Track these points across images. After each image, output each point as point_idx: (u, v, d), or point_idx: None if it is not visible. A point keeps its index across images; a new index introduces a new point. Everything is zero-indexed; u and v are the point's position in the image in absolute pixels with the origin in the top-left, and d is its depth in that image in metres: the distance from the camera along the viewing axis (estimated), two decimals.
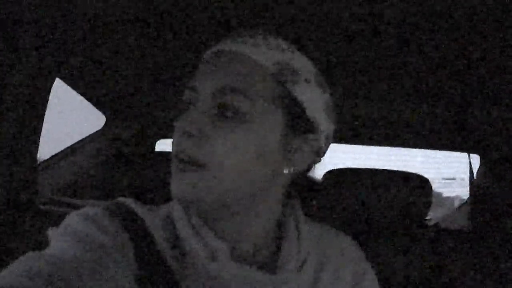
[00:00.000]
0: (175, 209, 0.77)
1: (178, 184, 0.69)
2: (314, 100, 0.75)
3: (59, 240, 0.63)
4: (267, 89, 0.71)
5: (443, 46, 1.29)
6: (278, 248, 0.77)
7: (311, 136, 0.76)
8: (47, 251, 0.61)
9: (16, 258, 0.58)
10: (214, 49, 0.76)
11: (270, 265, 0.75)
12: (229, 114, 0.68)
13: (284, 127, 0.72)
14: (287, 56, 0.73)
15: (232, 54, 0.72)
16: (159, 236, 0.72)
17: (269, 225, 0.77)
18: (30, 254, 0.59)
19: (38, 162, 1.83)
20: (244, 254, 0.74)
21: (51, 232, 0.66)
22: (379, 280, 0.86)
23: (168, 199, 0.79)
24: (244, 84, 0.69)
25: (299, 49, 0.77)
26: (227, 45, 0.74)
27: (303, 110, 0.74)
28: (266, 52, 0.72)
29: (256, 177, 0.71)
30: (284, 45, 0.75)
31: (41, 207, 1.63)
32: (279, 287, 0.72)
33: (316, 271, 0.79)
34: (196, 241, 0.71)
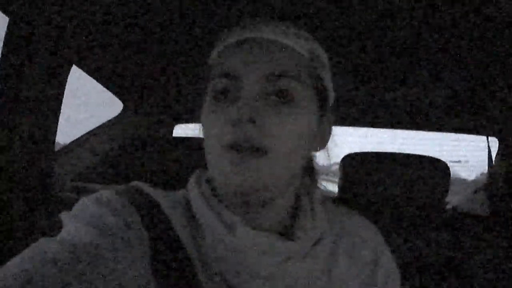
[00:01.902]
0: (192, 190, 0.77)
1: (239, 175, 0.65)
2: (331, 85, 0.80)
3: (72, 224, 0.63)
4: (307, 75, 0.73)
5: (461, 28, 1.27)
6: (292, 225, 0.76)
7: (330, 118, 0.80)
8: (60, 236, 0.61)
9: None
10: (241, 36, 0.74)
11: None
12: (286, 99, 0.69)
13: (318, 111, 0.75)
14: (313, 44, 0.76)
15: (271, 42, 0.72)
16: (174, 217, 0.72)
17: (289, 203, 0.78)
18: (43, 239, 0.59)
19: (57, 148, 1.85)
20: (260, 227, 0.73)
21: (64, 217, 0.66)
22: (396, 263, 0.87)
23: (185, 184, 0.79)
24: (294, 70, 0.71)
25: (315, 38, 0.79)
26: (257, 33, 0.73)
27: (329, 95, 0.79)
28: (298, 41, 0.74)
29: (302, 159, 0.74)
30: (306, 34, 0.77)
31: (60, 194, 1.65)
32: (297, 255, 0.71)
33: (332, 250, 0.79)
34: (212, 216, 0.71)
